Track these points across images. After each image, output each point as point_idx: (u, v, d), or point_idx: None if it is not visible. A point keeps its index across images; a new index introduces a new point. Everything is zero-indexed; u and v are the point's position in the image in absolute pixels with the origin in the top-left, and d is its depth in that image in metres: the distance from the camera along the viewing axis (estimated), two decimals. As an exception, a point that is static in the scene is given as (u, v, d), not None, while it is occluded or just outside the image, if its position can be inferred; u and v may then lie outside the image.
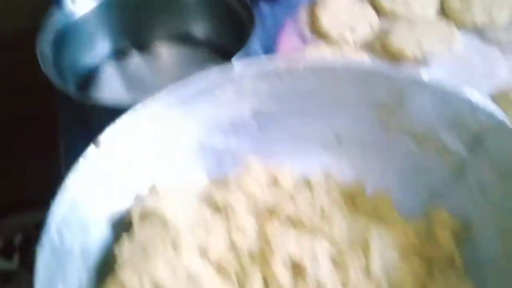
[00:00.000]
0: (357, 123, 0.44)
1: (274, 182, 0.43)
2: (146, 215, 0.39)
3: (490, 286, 0.36)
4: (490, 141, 0.38)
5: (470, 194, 0.39)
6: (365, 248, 0.37)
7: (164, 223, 0.38)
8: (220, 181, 0.43)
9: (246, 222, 0.39)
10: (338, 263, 0.37)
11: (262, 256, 0.37)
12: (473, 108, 0.39)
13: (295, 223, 0.40)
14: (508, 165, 0.37)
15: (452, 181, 0.40)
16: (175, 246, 0.37)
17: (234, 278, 0.37)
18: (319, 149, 0.45)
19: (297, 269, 0.36)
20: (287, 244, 0.37)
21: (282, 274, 0.36)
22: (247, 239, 0.39)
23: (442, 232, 0.39)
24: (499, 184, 0.37)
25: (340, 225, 0.39)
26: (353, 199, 0.42)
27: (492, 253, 0.37)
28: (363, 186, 0.43)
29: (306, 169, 0.44)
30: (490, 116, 0.38)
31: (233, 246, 0.38)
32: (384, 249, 0.37)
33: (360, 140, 0.44)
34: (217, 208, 0.41)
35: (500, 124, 0.38)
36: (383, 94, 0.42)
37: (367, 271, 0.36)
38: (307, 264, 0.36)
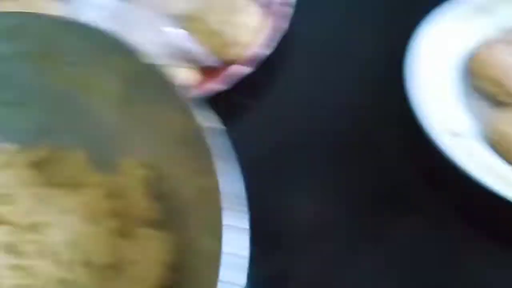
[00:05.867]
0: (18, 77, 0.39)
1: None
2: None
3: (193, 228, 0.34)
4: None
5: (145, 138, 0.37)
6: (44, 226, 0.34)
7: None
8: None
9: None
10: (16, 251, 0.33)
11: None
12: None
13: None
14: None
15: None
16: None
17: None
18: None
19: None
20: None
21: None
22: None
23: (132, 184, 0.36)
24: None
25: (23, 206, 0.35)
26: (45, 166, 0.39)
27: (187, 194, 0.35)
28: (52, 148, 0.39)
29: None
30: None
31: None
32: (66, 221, 0.34)
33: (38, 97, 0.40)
34: None
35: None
36: (35, 44, 0.38)
37: (46, 249, 0.33)
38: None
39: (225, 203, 0.28)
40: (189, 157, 0.33)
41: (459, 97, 0.48)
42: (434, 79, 0.48)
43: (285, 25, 0.50)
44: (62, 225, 0.34)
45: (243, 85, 0.47)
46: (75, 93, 0.39)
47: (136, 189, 0.36)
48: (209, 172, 0.31)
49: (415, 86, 0.46)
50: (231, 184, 0.29)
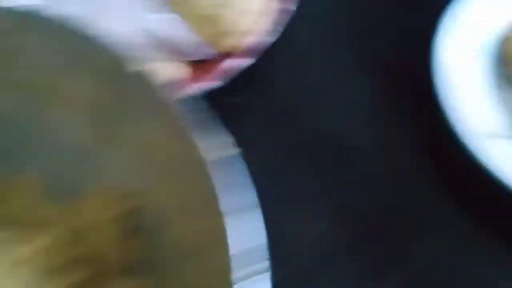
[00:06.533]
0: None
1: None
2: None
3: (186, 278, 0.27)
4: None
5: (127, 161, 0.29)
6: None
7: None
8: None
9: None
10: None
11: None
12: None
13: None
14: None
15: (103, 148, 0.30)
16: None
17: None
18: None
19: None
20: None
21: None
22: None
23: (101, 220, 0.29)
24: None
25: None
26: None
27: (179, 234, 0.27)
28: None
29: None
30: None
31: None
32: (16, 276, 0.27)
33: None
34: None
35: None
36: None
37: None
38: None
39: (238, 253, 0.23)
40: (188, 189, 0.27)
41: (490, 89, 0.42)
42: (462, 69, 0.42)
43: (292, 7, 0.43)
44: (11, 284, 0.27)
45: (240, 80, 0.40)
46: (30, 103, 0.30)
47: (106, 226, 0.29)
48: (217, 212, 0.25)
49: (441, 78, 0.40)
50: (247, 229, 0.23)
